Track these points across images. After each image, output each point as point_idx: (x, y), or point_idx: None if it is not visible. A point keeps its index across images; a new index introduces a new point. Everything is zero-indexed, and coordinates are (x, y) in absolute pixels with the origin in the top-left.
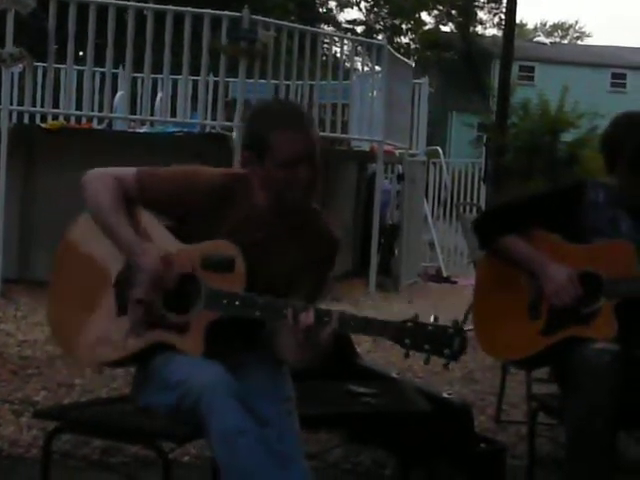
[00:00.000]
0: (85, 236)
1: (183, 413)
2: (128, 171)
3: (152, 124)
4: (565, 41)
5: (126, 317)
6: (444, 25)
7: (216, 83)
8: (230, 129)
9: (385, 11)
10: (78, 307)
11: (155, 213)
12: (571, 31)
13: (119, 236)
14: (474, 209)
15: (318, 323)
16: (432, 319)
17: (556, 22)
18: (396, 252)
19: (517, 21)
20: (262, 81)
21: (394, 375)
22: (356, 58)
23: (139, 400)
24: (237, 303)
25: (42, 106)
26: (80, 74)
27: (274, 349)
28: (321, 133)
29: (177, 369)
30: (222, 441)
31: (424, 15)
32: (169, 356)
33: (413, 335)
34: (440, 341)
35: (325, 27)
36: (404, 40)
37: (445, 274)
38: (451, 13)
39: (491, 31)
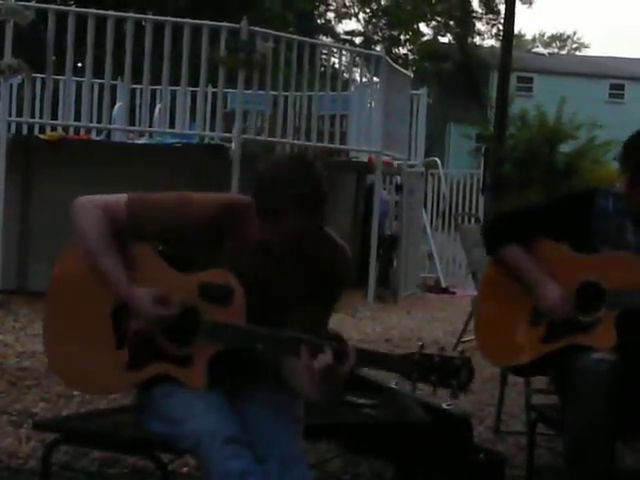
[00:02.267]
0: (78, 265)
1: (184, 450)
2: (118, 200)
3: (151, 135)
4: (563, 52)
5: (125, 350)
6: (442, 36)
7: (215, 94)
8: (229, 140)
9: (383, 22)
10: (76, 340)
11: (147, 243)
12: (569, 42)
13: (109, 279)
14: (472, 220)
15: (337, 361)
16: (437, 351)
17: (554, 33)
18: (395, 263)
19: (515, 32)
20: (261, 92)
21: (393, 386)
22: (354, 69)
23: (143, 419)
24: (238, 336)
25: (41, 117)
26: (79, 85)
27: (287, 384)
28: (319, 144)
29: (178, 406)
30: None
31: (422, 26)
32: (170, 388)
33: (420, 368)
34: (447, 373)
35: (324, 38)
36: (402, 51)
37: (444, 285)
38: (449, 24)
39: (489, 42)
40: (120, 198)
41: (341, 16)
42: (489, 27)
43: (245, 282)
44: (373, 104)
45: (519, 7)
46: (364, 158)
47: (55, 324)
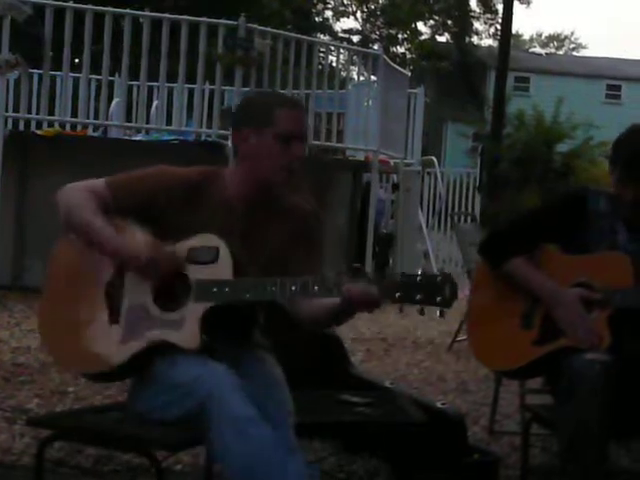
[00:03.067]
0: (72, 250)
1: (186, 412)
2: (98, 181)
3: (148, 132)
4: (561, 52)
5: (120, 324)
6: (440, 35)
7: (212, 91)
8: (225, 137)
9: (381, 21)
10: (71, 320)
11: (131, 219)
12: (567, 42)
13: (100, 238)
14: (469, 219)
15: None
16: (419, 271)
17: (552, 33)
18: (390, 261)
19: (513, 32)
20: (258, 90)
21: (388, 385)
22: (352, 67)
23: (138, 405)
24: (226, 289)
25: (38, 113)
26: (76, 81)
27: (292, 314)
28: (316, 142)
29: (184, 370)
30: (233, 427)
31: (420, 25)
32: (171, 358)
33: (403, 287)
34: (431, 289)
35: (321, 36)
36: (400, 50)
37: None
38: (447, 23)
39: (487, 41)
40: (99, 180)
41: (339, 14)
42: (487, 27)
43: (231, 243)
44: (370, 102)
45: (517, 7)
46: (361, 156)
47: (50, 308)
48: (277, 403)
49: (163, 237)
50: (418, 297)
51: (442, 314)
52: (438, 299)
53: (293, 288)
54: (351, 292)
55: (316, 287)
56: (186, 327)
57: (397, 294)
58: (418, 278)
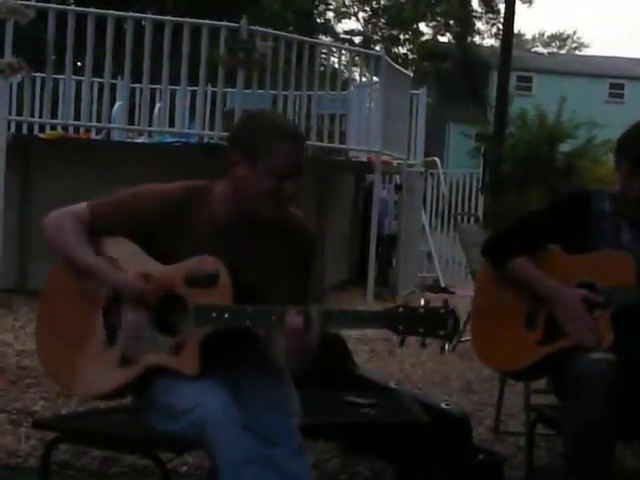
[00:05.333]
0: (69, 270)
1: (185, 436)
2: (81, 206)
3: (150, 134)
4: (563, 51)
5: (117, 347)
6: (442, 35)
7: (214, 93)
8: None
9: (383, 22)
10: (68, 342)
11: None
12: (569, 41)
13: (92, 271)
14: (472, 219)
15: (306, 324)
16: (422, 302)
17: (554, 32)
18: (394, 262)
19: (515, 31)
20: (260, 91)
21: (392, 385)
22: (354, 68)
23: (141, 419)
24: (226, 315)
25: (40, 116)
26: (78, 84)
27: (273, 357)
28: (319, 143)
29: (180, 397)
30: (229, 472)
31: (422, 26)
32: (169, 382)
33: (406, 320)
34: (434, 322)
35: (323, 37)
36: (402, 50)
37: (443, 284)
38: (449, 23)
39: (489, 41)
40: (82, 205)
41: (341, 15)
42: (489, 26)
43: (225, 263)
44: (372, 104)
45: (519, 6)
46: (363, 158)
47: (47, 327)
48: (280, 411)
49: (154, 254)
50: (421, 330)
51: (443, 350)
52: (441, 332)
53: None
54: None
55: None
56: (185, 352)
57: (400, 326)
58: (421, 310)
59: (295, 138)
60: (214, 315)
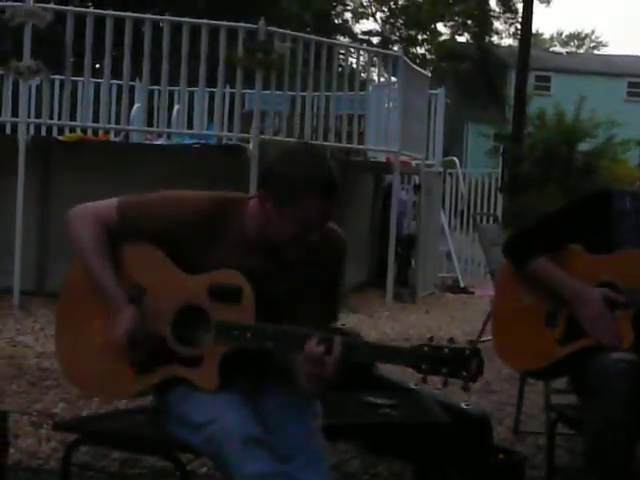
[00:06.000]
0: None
1: (202, 447)
2: (109, 205)
3: (169, 136)
4: (581, 50)
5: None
6: (460, 35)
7: (232, 95)
8: (247, 140)
9: (401, 22)
10: (87, 347)
11: (144, 240)
12: (587, 40)
13: (106, 293)
14: (491, 219)
15: (327, 351)
16: (447, 342)
17: (572, 32)
18: (413, 263)
19: (533, 31)
20: (278, 92)
21: (412, 386)
22: (372, 69)
23: (160, 422)
24: (248, 335)
25: (59, 119)
26: (97, 86)
27: (292, 379)
28: (337, 144)
29: (196, 409)
30: None
31: (440, 26)
32: (185, 391)
33: (429, 360)
34: (457, 364)
35: (341, 38)
36: (420, 51)
37: (462, 285)
38: (467, 23)
39: (507, 41)
40: (110, 203)
41: (359, 16)
42: (507, 26)
43: (250, 279)
44: (391, 104)
45: (537, 6)
46: (382, 158)
47: (66, 330)
48: (302, 415)
49: (179, 261)
50: (444, 370)
51: (465, 389)
52: (464, 374)
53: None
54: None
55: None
56: (204, 367)
57: (423, 366)
58: (445, 351)
59: (326, 189)
60: (236, 333)
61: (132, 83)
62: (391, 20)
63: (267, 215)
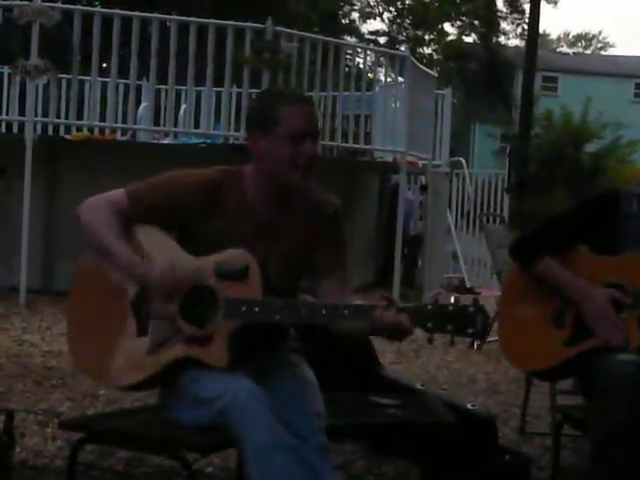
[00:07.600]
0: (96, 265)
1: (214, 423)
2: (119, 192)
3: (176, 135)
4: (588, 51)
5: (147, 337)
6: (467, 36)
7: (239, 94)
8: None
9: (408, 22)
10: (99, 334)
11: (155, 225)
12: (594, 41)
13: (121, 262)
14: (497, 220)
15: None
16: (452, 300)
17: (579, 32)
18: (419, 263)
19: (540, 31)
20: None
21: (418, 386)
22: (379, 69)
23: (168, 413)
24: (256, 309)
25: (66, 118)
26: (104, 85)
27: (299, 360)
28: (344, 144)
29: (207, 386)
30: (256, 458)
31: (447, 26)
32: (196, 372)
33: (435, 317)
34: (463, 320)
35: (348, 38)
36: (427, 51)
37: (468, 285)
38: (474, 24)
39: (514, 42)
40: (119, 190)
41: (365, 16)
42: (514, 27)
43: (252, 245)
44: (398, 104)
45: (544, 6)
46: (389, 158)
47: (78, 319)
48: (306, 410)
49: (188, 242)
50: (449, 327)
51: (476, 346)
52: (470, 331)
53: (323, 312)
54: (381, 320)
55: (346, 311)
56: (214, 345)
57: (429, 324)
58: (450, 308)
59: (301, 100)
60: (244, 309)
61: (139, 82)
62: (398, 20)
63: (263, 154)
